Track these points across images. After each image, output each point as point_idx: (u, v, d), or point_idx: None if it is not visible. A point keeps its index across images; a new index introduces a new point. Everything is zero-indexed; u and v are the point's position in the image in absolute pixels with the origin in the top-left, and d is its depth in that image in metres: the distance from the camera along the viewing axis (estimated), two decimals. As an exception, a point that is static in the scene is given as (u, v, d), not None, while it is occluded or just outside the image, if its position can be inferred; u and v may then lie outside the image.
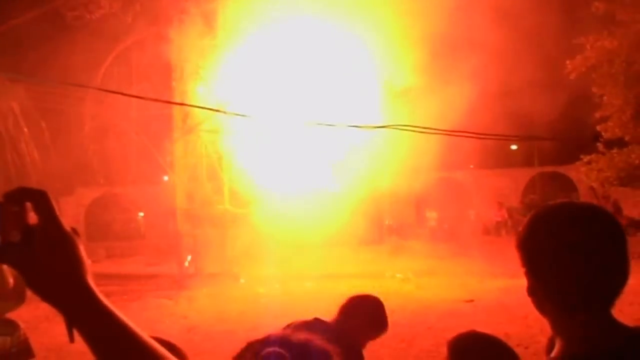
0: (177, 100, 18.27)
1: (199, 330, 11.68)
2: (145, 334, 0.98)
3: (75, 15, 20.90)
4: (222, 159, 18.92)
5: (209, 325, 12.12)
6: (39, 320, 10.79)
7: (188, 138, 19.47)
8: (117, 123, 22.57)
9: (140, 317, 12.96)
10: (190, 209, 19.96)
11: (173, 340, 1.58)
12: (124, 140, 23.09)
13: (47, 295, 0.94)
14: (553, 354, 1.42)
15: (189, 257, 19.44)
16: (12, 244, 0.92)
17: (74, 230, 0.98)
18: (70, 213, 28.27)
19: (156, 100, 18.68)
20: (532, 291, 1.44)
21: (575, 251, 1.38)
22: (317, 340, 1.34)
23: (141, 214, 30.60)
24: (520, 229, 1.49)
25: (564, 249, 1.39)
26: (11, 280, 3.56)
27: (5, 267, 3.44)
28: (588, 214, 1.43)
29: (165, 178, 23.67)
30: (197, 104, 17.33)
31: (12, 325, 3.57)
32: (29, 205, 0.94)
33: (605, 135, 18.87)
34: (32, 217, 0.94)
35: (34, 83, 18.98)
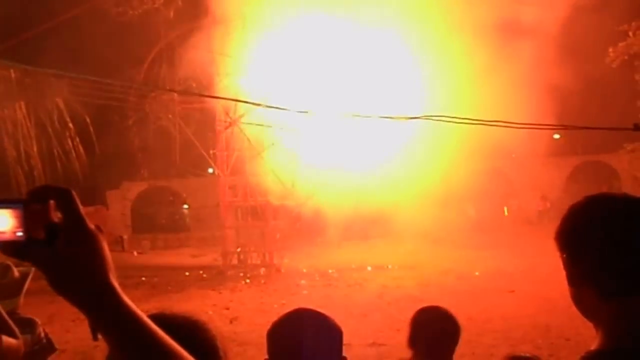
0: (220, 92, 18.49)
1: (241, 322, 11.89)
2: (167, 337, 0.95)
3: (120, 11, 21.35)
4: (264, 151, 19.10)
5: (251, 316, 12.33)
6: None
7: (231, 130, 19.69)
8: (160, 117, 22.95)
9: (184, 308, 13.18)
10: (233, 201, 20.23)
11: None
12: (168, 134, 23.49)
13: (69, 294, 0.92)
14: (593, 347, 1.41)
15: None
16: (35, 242, 0.92)
17: (98, 227, 0.96)
18: (116, 206, 28.97)
19: (199, 95, 18.99)
20: (572, 280, 1.44)
21: (616, 232, 1.41)
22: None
23: (185, 206, 31.10)
24: (560, 219, 1.50)
25: (603, 230, 1.41)
26: (17, 275, 3.63)
27: (11, 263, 3.54)
28: (630, 201, 1.47)
29: (210, 170, 23.99)
30: (240, 97, 17.50)
31: (31, 324, 3.62)
32: (53, 203, 0.93)
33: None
34: (57, 216, 0.93)
35: (78, 79, 19.37)
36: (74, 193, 0.93)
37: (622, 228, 1.41)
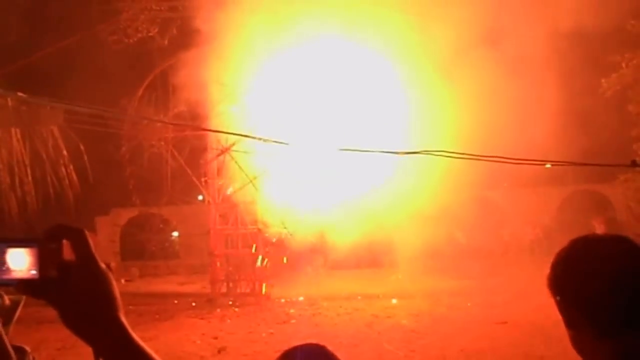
0: (212, 120, 18.53)
1: (229, 351, 11.71)
2: None
3: (115, 39, 21.50)
4: (255, 179, 19.06)
5: (239, 346, 12.16)
6: (74, 340, 11.07)
7: (222, 158, 19.68)
8: (153, 144, 22.96)
9: (172, 337, 13.09)
10: (224, 228, 20.12)
11: None
12: (160, 160, 23.48)
13: (80, 331, 0.98)
14: None
15: None
16: (48, 280, 0.96)
17: (109, 266, 1.01)
18: (105, 233, 28.70)
19: (190, 126, 19.04)
20: (569, 323, 1.47)
21: (606, 273, 1.42)
22: None
23: (175, 233, 30.91)
24: (554, 260, 1.52)
25: (593, 272, 1.43)
26: (8, 303, 3.61)
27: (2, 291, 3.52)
28: (615, 240, 1.50)
29: (200, 198, 23.93)
30: (232, 125, 17.53)
31: (20, 351, 3.59)
32: (66, 242, 0.98)
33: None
34: (69, 254, 0.98)
35: (73, 106, 19.42)
36: (86, 233, 0.99)
37: (611, 268, 1.43)
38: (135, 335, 0.99)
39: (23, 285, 0.97)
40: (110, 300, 0.99)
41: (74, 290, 0.96)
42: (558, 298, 1.48)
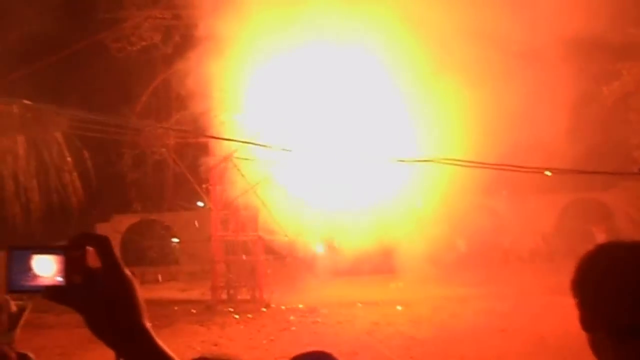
0: (215, 127, 18.58)
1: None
2: None
3: (119, 46, 21.61)
4: (257, 186, 19.07)
5: (239, 353, 12.12)
6: (75, 346, 10.96)
7: (224, 165, 19.70)
8: (155, 151, 23.00)
9: (172, 344, 12.97)
10: (224, 235, 20.12)
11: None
12: (162, 167, 23.51)
13: (105, 336, 0.99)
14: None
15: None
16: (74, 286, 0.99)
17: (133, 273, 1.04)
18: (106, 239, 28.69)
19: (192, 132, 19.10)
20: (587, 325, 1.46)
21: (628, 278, 1.42)
22: None
23: (175, 240, 30.90)
24: (577, 264, 1.52)
25: (615, 277, 1.44)
26: (14, 309, 3.67)
27: (9, 297, 3.55)
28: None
29: (200, 204, 23.94)
30: (235, 132, 17.57)
31: (25, 359, 3.65)
32: (91, 250, 1.00)
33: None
34: (94, 261, 1.00)
35: (78, 113, 19.50)
36: (110, 241, 1.01)
37: (633, 274, 1.43)
38: (159, 342, 1.02)
39: (50, 292, 0.98)
40: (135, 306, 1.01)
41: (100, 296, 0.98)
42: (578, 300, 1.49)
